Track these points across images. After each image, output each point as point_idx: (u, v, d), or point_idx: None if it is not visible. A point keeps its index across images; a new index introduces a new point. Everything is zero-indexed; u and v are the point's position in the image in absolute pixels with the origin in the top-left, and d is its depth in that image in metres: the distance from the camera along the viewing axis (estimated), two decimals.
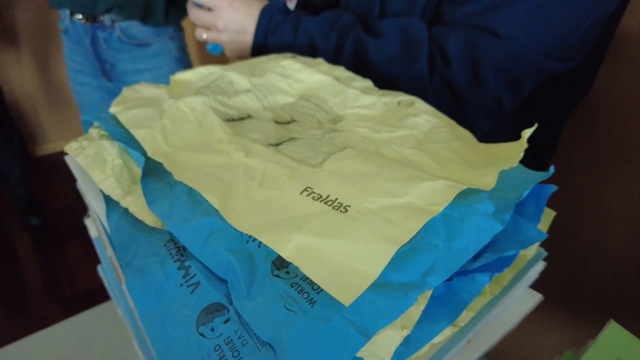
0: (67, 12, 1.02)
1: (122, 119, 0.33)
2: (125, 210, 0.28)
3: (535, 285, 0.32)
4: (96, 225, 0.37)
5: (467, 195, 0.25)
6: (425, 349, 0.23)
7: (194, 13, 0.53)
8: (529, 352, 0.89)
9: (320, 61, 0.44)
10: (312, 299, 0.19)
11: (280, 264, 0.21)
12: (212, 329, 0.20)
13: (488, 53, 0.42)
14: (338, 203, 0.22)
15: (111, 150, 0.31)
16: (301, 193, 0.23)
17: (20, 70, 2.21)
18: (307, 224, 0.21)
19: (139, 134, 0.31)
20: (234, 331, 0.20)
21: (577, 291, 0.83)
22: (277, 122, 0.34)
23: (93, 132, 0.33)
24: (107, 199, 0.30)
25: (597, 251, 0.78)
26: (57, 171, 2.26)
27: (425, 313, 0.22)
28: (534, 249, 0.30)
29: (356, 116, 0.35)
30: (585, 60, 0.46)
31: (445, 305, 0.23)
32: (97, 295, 1.56)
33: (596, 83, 0.59)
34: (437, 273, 0.21)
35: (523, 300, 0.33)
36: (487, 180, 0.24)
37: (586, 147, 0.76)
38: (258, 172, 0.26)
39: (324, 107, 0.36)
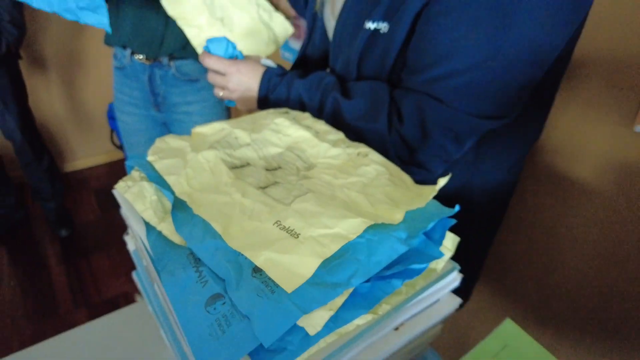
0: (127, 52, 1.11)
1: (157, 167, 0.45)
2: (160, 232, 0.39)
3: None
4: (135, 241, 0.50)
5: (387, 225, 0.37)
6: (351, 327, 0.35)
7: (210, 76, 0.66)
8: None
9: (307, 115, 0.57)
10: (273, 290, 0.31)
11: (256, 270, 0.33)
12: (215, 309, 0.32)
13: (433, 114, 0.52)
14: (294, 233, 0.34)
15: (149, 189, 0.42)
16: (273, 224, 0.36)
17: (49, 95, 2.34)
18: (273, 245, 0.33)
19: (169, 179, 0.43)
20: (228, 309, 0.32)
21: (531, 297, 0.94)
22: (267, 170, 0.46)
23: (135, 174, 0.46)
24: (147, 224, 0.41)
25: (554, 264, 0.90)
26: (84, 185, 2.39)
27: (350, 302, 0.34)
28: (442, 264, 0.41)
29: (325, 165, 0.47)
30: (530, 110, 0.55)
31: (365, 298, 0.35)
32: (121, 301, 1.65)
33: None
34: (358, 277, 0.33)
35: (446, 302, 0.44)
36: (397, 216, 0.37)
37: (550, 179, 0.88)
38: (248, 209, 0.39)
39: (303, 156, 0.49)
